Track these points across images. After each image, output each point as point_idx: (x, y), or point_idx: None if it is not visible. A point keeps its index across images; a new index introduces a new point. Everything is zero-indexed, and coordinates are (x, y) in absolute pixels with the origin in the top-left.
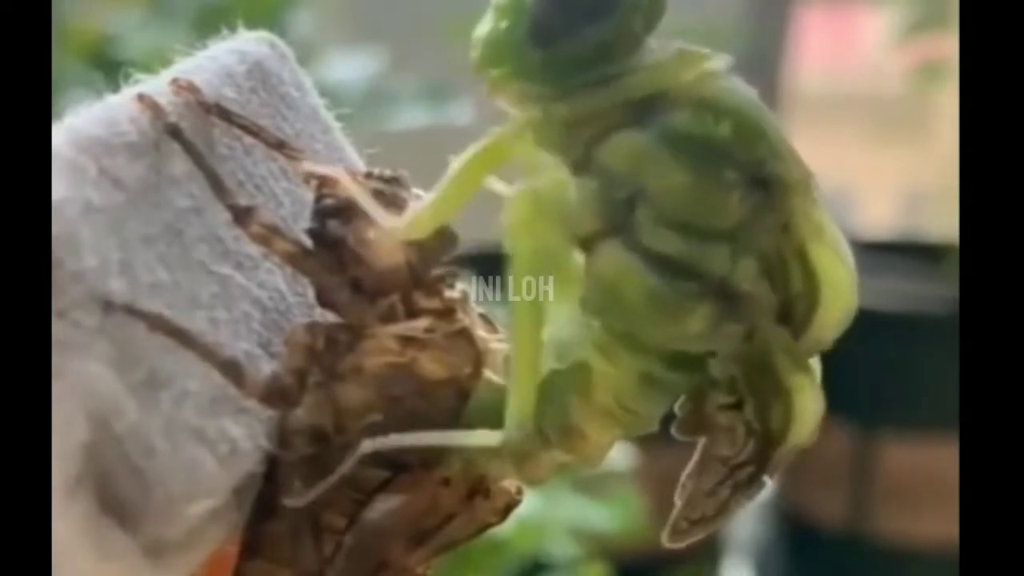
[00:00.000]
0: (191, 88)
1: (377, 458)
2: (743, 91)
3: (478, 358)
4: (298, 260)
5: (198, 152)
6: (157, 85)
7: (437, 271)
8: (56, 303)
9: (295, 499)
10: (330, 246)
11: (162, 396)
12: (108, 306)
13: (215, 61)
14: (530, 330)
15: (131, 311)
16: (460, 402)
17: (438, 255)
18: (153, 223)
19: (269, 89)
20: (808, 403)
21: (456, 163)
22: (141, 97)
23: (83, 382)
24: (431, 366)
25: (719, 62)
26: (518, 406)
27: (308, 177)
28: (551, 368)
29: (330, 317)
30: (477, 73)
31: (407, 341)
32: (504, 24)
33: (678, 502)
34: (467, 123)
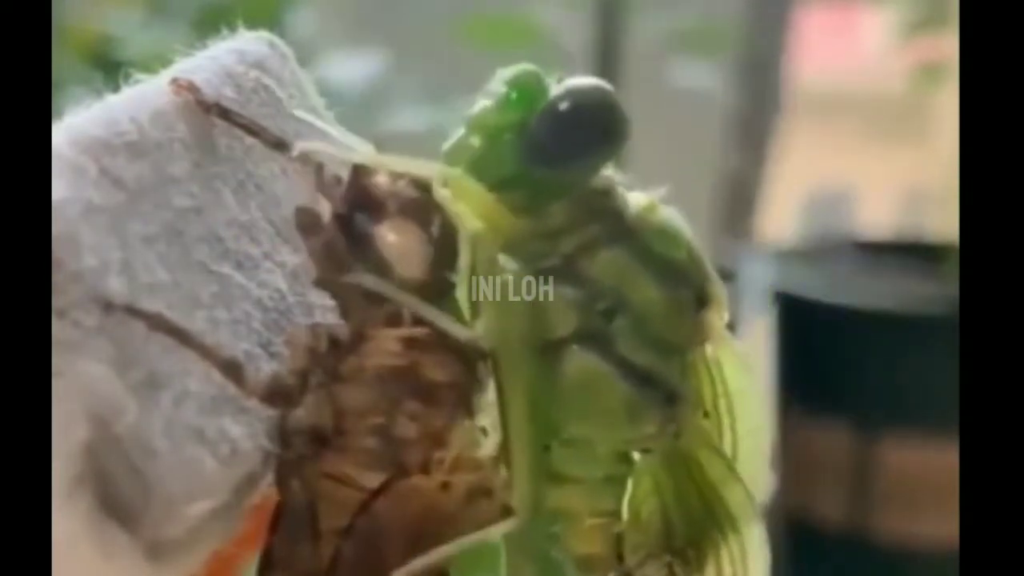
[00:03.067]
0: (191, 88)
1: (376, 460)
2: (679, 218)
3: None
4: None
5: (248, 121)
6: (157, 85)
7: (446, 277)
8: (56, 303)
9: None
10: (353, 238)
11: (162, 396)
12: (108, 306)
13: (215, 61)
14: (522, 420)
15: (131, 311)
16: (460, 407)
17: (450, 265)
18: (153, 223)
19: (269, 89)
20: (737, 495)
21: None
22: (175, 80)
23: (83, 382)
24: (433, 369)
25: (656, 193)
26: (519, 493)
27: (353, 168)
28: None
29: (330, 317)
30: (445, 182)
31: (409, 343)
32: (494, 141)
33: None
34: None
